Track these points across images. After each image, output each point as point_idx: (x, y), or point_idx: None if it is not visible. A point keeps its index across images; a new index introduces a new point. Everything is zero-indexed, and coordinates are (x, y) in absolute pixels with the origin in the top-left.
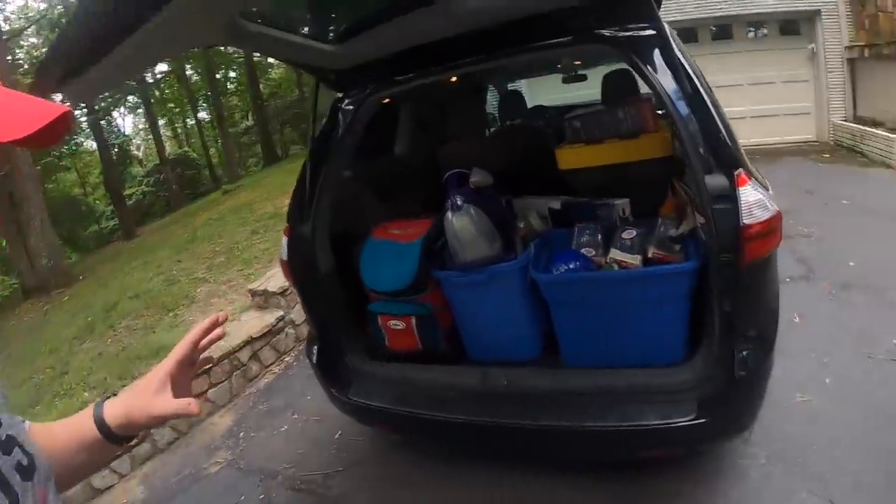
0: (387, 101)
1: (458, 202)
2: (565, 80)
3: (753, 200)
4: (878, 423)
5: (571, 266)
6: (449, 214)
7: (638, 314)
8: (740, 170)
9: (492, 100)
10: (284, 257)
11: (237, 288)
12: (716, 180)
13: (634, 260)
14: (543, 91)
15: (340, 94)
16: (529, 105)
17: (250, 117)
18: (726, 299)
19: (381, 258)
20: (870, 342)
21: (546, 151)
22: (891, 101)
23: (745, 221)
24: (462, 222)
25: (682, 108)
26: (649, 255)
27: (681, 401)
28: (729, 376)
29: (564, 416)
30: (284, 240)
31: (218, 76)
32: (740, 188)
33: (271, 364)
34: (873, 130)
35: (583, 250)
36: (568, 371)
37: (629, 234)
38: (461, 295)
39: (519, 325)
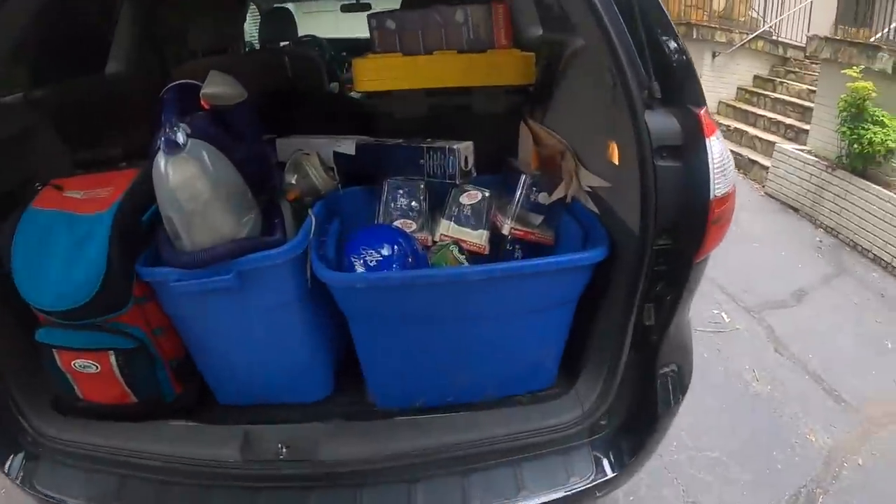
0: None
1: (179, 137)
2: (345, 9)
3: (722, 160)
4: (724, 402)
5: (384, 253)
6: (160, 160)
7: (497, 328)
8: (705, 108)
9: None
10: None
11: None
12: (664, 121)
13: (478, 238)
14: (316, 28)
15: None
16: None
17: None
18: (651, 307)
19: (47, 246)
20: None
21: (319, 87)
22: None
23: (716, 193)
24: (185, 174)
25: None
26: (504, 232)
27: (570, 451)
28: (641, 413)
29: None
30: None
31: None
32: (709, 138)
33: None
34: None
35: (398, 223)
36: (387, 423)
37: (472, 196)
38: (191, 309)
39: (296, 351)
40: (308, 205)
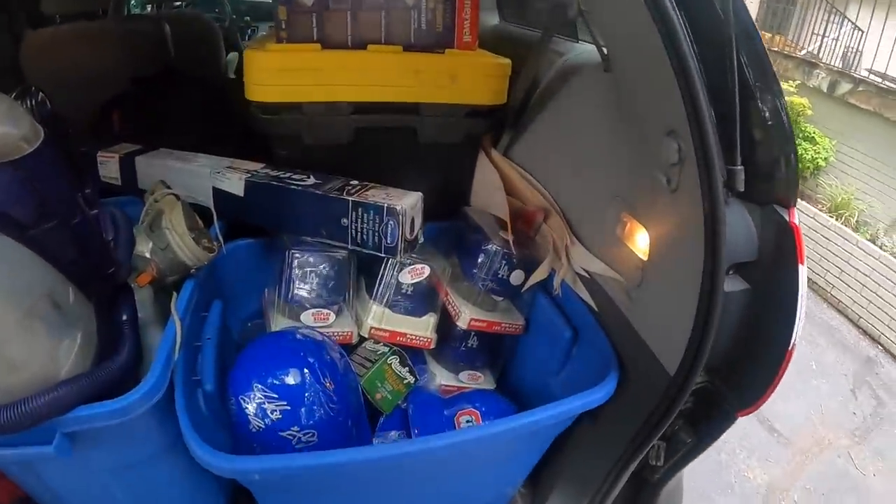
0: None
1: None
2: None
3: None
4: None
5: (289, 382)
6: None
7: (448, 482)
8: (795, 211)
9: None
10: None
11: None
12: (741, 227)
13: (423, 328)
14: None
15: None
16: None
17: None
18: (662, 447)
19: None
20: None
21: (213, 68)
22: None
23: (796, 339)
24: None
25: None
26: (459, 323)
27: None
28: None
29: None
30: None
31: None
32: (802, 265)
33: None
34: None
35: (307, 315)
36: None
37: (416, 273)
38: (17, 472)
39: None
40: (169, 283)
